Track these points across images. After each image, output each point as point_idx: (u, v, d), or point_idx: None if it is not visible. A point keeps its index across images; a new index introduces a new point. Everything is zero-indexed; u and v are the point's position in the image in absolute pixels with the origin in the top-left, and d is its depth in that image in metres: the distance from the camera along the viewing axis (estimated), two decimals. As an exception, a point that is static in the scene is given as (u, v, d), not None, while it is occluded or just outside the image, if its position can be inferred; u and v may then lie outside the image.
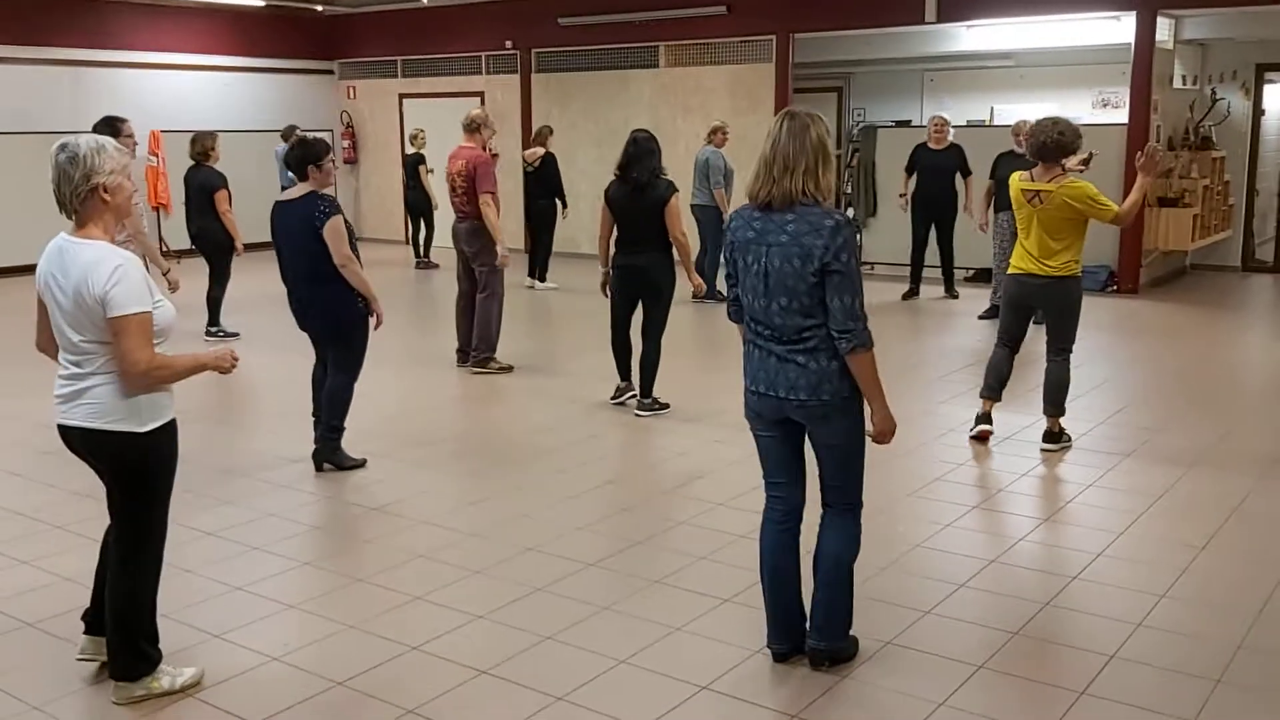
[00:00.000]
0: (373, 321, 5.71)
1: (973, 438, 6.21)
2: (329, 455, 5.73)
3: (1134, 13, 11.12)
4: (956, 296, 11.13)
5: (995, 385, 6.21)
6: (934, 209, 10.86)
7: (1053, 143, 5.75)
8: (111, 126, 7.06)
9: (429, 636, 3.91)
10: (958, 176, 10.79)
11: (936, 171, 10.81)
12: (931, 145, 10.91)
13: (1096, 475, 5.69)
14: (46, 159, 3.30)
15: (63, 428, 3.38)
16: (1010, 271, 6.07)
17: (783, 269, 3.37)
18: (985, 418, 6.23)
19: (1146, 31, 11.13)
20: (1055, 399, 6.06)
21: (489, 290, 8.02)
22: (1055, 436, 6.11)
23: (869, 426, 3.52)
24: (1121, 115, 12.10)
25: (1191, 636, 3.91)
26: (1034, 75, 14.65)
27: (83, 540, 4.67)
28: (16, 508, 5.28)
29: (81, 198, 3.25)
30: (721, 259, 3.69)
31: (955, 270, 11.26)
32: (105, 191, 3.26)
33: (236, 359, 3.54)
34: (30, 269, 3.55)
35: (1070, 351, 6.06)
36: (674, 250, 6.75)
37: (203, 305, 9.33)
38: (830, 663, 3.66)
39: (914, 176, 10.99)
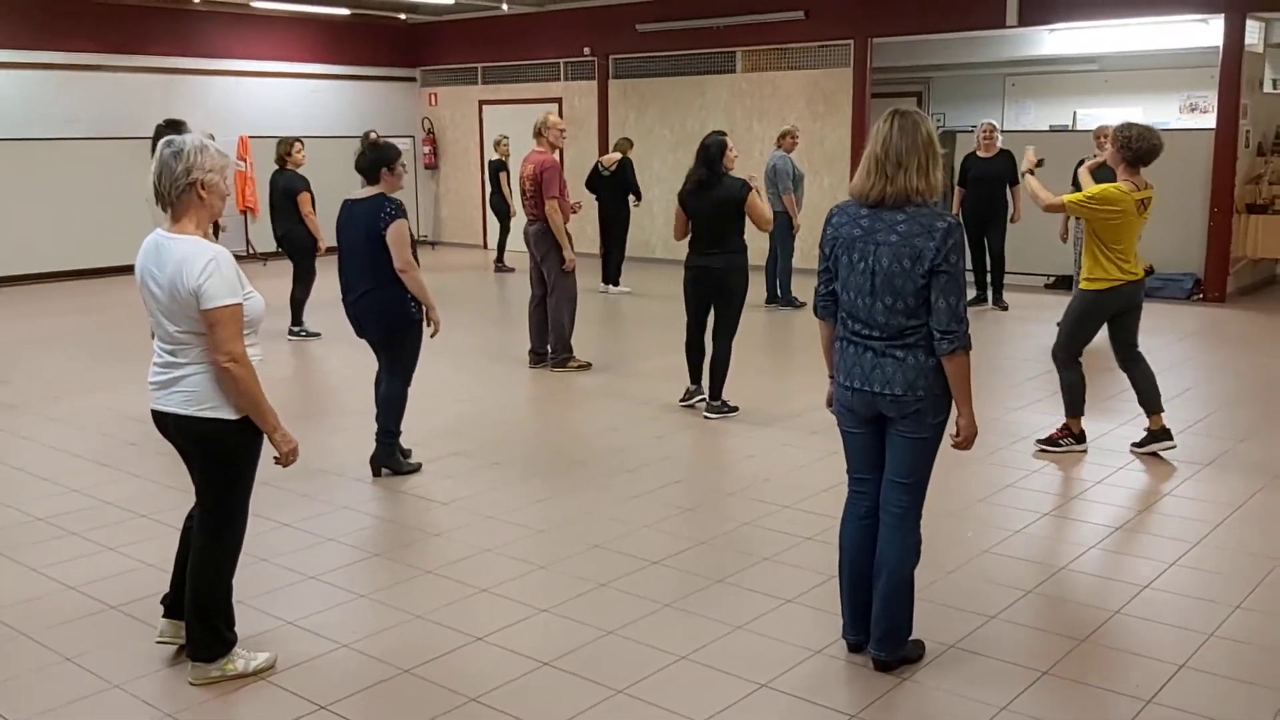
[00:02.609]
0: (429, 330, 5.67)
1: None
2: (386, 460, 5.79)
3: (1222, 15, 10.87)
4: (1006, 308, 10.84)
5: (1083, 402, 6.16)
6: (983, 217, 10.64)
7: (1149, 148, 5.65)
8: (175, 129, 7.08)
9: (493, 628, 3.99)
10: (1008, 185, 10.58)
11: (986, 180, 10.61)
12: (981, 153, 10.72)
13: (1174, 484, 5.58)
14: (141, 163, 3.43)
15: (157, 413, 3.52)
16: (1112, 286, 5.79)
17: (891, 269, 3.38)
18: (1083, 436, 6.18)
19: (1235, 34, 10.87)
20: (1158, 394, 6.03)
21: (559, 293, 8.12)
22: (1168, 432, 6.02)
23: (951, 430, 3.52)
24: (1209, 120, 11.82)
25: (1265, 648, 3.82)
26: (1119, 79, 14.38)
27: (165, 528, 4.84)
28: (105, 496, 5.48)
29: (180, 190, 3.38)
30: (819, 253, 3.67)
31: (1005, 277, 10.98)
32: (202, 188, 3.40)
33: (294, 459, 3.57)
34: (123, 269, 3.70)
35: None
36: (747, 251, 6.81)
37: (287, 305, 9.58)
38: (898, 663, 3.66)
39: (965, 187, 10.76)
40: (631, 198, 12.23)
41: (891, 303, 3.40)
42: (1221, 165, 11.15)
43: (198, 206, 3.42)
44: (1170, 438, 6.00)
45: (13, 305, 11.80)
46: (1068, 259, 10.06)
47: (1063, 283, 11.25)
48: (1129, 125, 5.74)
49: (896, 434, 3.52)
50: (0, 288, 12.72)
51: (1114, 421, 6.68)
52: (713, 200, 6.70)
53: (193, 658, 3.61)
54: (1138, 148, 5.64)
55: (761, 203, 6.81)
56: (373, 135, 13.68)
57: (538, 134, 8.14)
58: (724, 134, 6.89)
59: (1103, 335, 6.09)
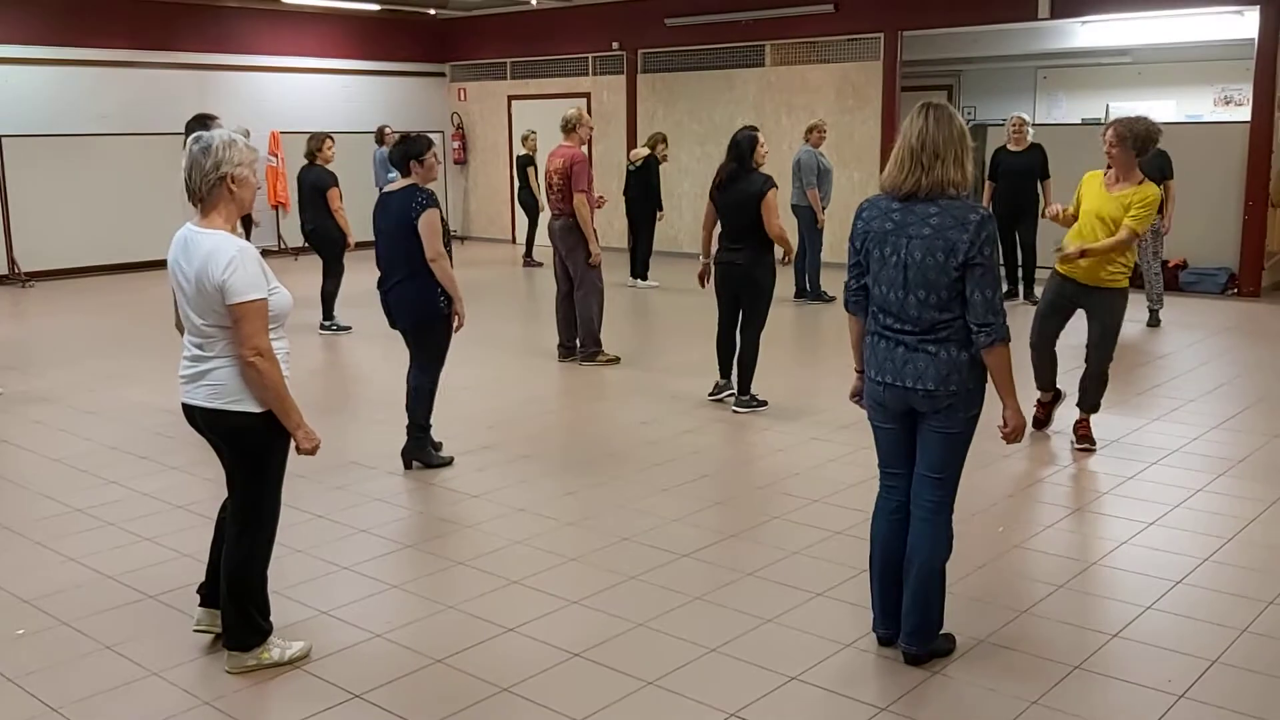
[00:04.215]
0: (454, 322, 5.70)
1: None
2: (417, 453, 5.83)
3: (1258, 6, 10.74)
4: (1037, 303, 10.71)
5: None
6: (1014, 211, 10.53)
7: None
8: (203, 124, 7.06)
9: (525, 619, 4.02)
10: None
11: (1017, 174, 10.51)
12: (1011, 146, 10.63)
13: (1206, 480, 5.54)
14: (174, 160, 3.48)
15: (186, 406, 3.57)
16: None
17: (924, 262, 3.37)
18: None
19: (1272, 26, 10.74)
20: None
21: (585, 287, 8.13)
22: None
23: (998, 421, 3.53)
24: (1245, 113, 11.70)
25: (1300, 644, 3.80)
26: (1152, 72, 14.27)
27: (202, 519, 4.90)
28: (142, 488, 5.56)
29: (210, 185, 3.43)
30: (849, 248, 3.69)
31: (1036, 271, 10.84)
32: (232, 182, 3.45)
33: (316, 450, 3.57)
34: (155, 264, 3.75)
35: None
36: (774, 247, 6.80)
37: (317, 300, 9.66)
38: (929, 657, 3.67)
39: (995, 181, 10.65)
40: (656, 207, 12.26)
41: (924, 296, 3.40)
42: (1257, 158, 11.03)
43: (227, 200, 3.47)
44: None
45: (47, 300, 11.96)
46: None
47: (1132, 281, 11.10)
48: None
49: (928, 429, 3.51)
50: (34, 283, 12.90)
51: (1145, 417, 6.64)
52: (738, 195, 6.70)
53: (229, 646, 3.66)
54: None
55: (777, 213, 6.70)
56: (387, 130, 13.79)
57: (571, 129, 8.15)
58: (756, 129, 6.87)
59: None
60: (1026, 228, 10.65)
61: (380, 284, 5.75)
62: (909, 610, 3.62)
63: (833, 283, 10.97)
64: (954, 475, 3.57)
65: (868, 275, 3.55)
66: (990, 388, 3.52)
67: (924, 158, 3.38)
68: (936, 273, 3.36)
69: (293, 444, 3.57)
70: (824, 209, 10.92)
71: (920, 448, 3.57)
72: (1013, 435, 3.54)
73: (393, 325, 5.83)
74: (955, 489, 3.61)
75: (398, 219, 5.55)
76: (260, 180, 13.71)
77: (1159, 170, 9.44)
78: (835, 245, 11.28)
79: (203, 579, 3.87)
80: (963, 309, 3.38)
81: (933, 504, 3.57)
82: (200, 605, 3.84)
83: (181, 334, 3.72)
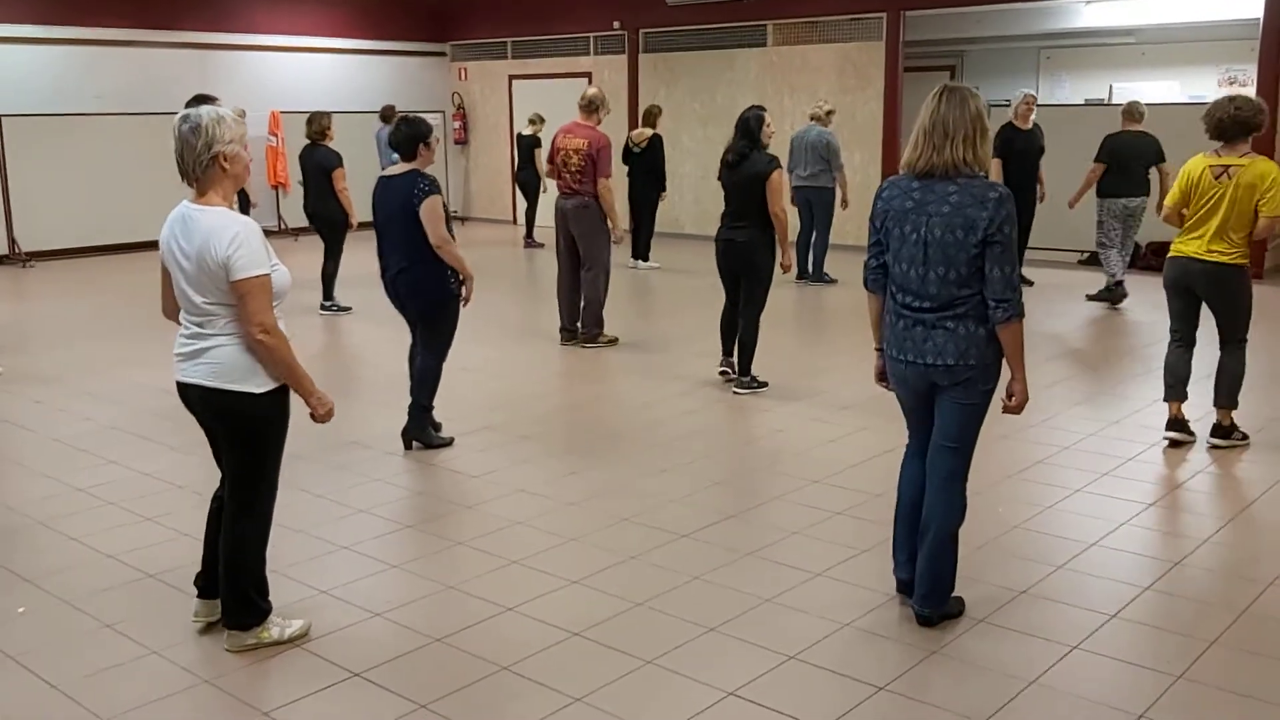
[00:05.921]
0: (463, 299, 5.69)
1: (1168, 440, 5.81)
2: (417, 434, 5.83)
3: (1264, -15, 10.68)
4: (1031, 284, 10.71)
5: (1173, 384, 5.84)
6: (1019, 191, 10.47)
7: (1229, 119, 5.49)
8: (203, 104, 7.03)
9: (524, 599, 4.02)
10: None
11: (1024, 153, 10.46)
12: (1020, 125, 10.57)
13: (1208, 461, 5.54)
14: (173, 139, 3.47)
15: (182, 385, 3.55)
16: (1170, 256, 5.74)
17: (944, 239, 3.45)
18: (1174, 423, 5.79)
19: (1277, 5, 10.66)
20: (1227, 389, 5.71)
21: (596, 267, 8.11)
22: (1226, 431, 5.73)
23: (1003, 395, 3.63)
24: (1249, 94, 11.62)
25: (1299, 625, 3.80)
26: (1156, 52, 14.18)
27: (203, 499, 4.85)
28: (142, 468, 5.56)
29: (203, 165, 3.41)
30: (869, 226, 3.75)
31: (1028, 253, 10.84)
32: (225, 160, 3.42)
33: (330, 417, 3.61)
34: (155, 245, 3.72)
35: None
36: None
37: (318, 281, 9.64)
38: (940, 619, 3.76)
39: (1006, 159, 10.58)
40: (660, 187, 12.23)
41: (944, 272, 3.48)
42: (1261, 139, 10.94)
43: (222, 178, 3.45)
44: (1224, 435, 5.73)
45: (46, 280, 11.95)
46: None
47: (1094, 259, 11.11)
48: (1229, 99, 5.59)
49: (947, 399, 3.61)
50: (34, 263, 12.89)
51: (1146, 398, 6.63)
52: (744, 175, 6.68)
53: (228, 625, 3.67)
54: (1219, 118, 5.54)
55: (781, 195, 6.70)
56: (396, 111, 13.72)
57: (594, 108, 8.14)
58: (763, 109, 6.86)
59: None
60: (1026, 206, 10.58)
61: (383, 268, 5.73)
62: (922, 574, 3.72)
63: (835, 265, 10.96)
64: (969, 445, 3.68)
65: (888, 253, 3.63)
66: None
67: (935, 137, 3.47)
68: (956, 249, 3.45)
69: (300, 421, 3.55)
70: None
71: (938, 417, 3.67)
72: (1017, 408, 3.64)
73: (399, 309, 5.83)
74: (969, 458, 3.71)
75: (401, 205, 5.51)
76: (253, 155, 13.60)
77: (1156, 154, 9.42)
78: (838, 228, 11.25)
79: (199, 568, 3.86)
80: (981, 285, 3.46)
81: (947, 473, 3.67)
82: (198, 597, 3.82)
83: (169, 319, 3.68)
